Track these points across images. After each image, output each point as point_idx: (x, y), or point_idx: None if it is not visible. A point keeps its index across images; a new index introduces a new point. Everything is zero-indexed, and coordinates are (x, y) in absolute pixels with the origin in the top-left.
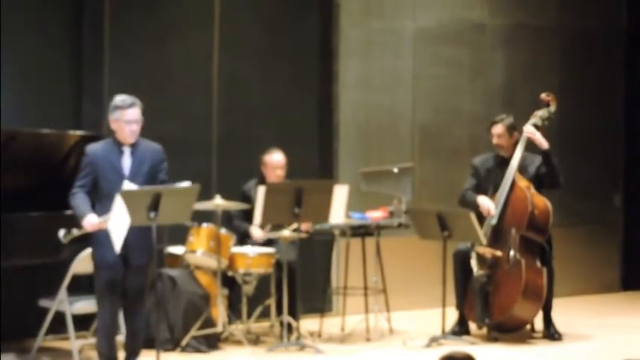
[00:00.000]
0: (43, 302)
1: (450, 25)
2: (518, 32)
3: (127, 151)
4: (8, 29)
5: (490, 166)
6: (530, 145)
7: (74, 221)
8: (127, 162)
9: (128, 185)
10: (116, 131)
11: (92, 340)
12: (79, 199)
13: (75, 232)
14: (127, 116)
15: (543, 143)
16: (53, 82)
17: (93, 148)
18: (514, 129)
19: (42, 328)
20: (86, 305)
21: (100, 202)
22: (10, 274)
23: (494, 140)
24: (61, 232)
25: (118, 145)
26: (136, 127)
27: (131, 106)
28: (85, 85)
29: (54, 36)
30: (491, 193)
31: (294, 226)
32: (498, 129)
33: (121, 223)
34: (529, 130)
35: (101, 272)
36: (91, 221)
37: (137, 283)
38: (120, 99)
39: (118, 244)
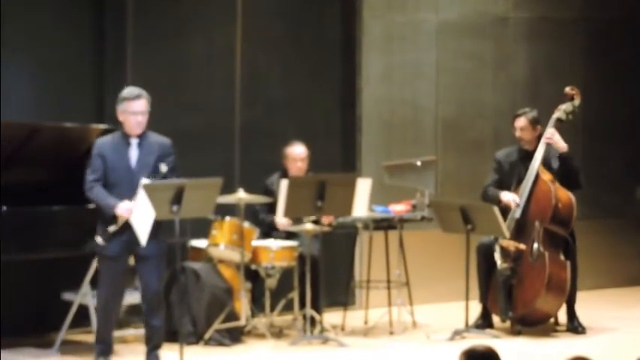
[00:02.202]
0: (66, 295)
1: (472, 18)
2: (541, 25)
3: (134, 142)
4: (31, 23)
5: (513, 160)
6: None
7: (97, 214)
8: (134, 153)
9: (145, 181)
10: (123, 123)
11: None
12: (100, 192)
13: (111, 229)
14: (133, 107)
15: (562, 146)
16: (76, 76)
17: (101, 140)
18: (537, 122)
19: (65, 322)
20: None
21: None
22: (33, 267)
23: (517, 133)
24: (99, 239)
25: (126, 137)
26: (142, 119)
27: (138, 97)
28: (107, 79)
29: (77, 30)
30: (515, 186)
31: (314, 217)
32: (521, 122)
33: (144, 216)
34: (548, 133)
35: (104, 263)
36: (127, 207)
37: (151, 275)
38: (127, 91)
39: (143, 237)
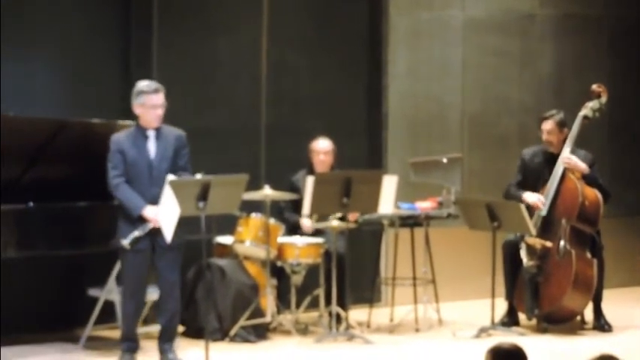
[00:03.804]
0: (92, 292)
1: (499, 15)
2: (567, 22)
3: (151, 135)
4: (58, 20)
5: (539, 161)
6: (580, 141)
7: (120, 212)
8: (152, 146)
9: (171, 177)
10: (140, 116)
11: (140, 330)
12: (127, 190)
13: (137, 233)
14: (153, 101)
15: (583, 168)
16: (102, 72)
17: (117, 135)
18: (564, 125)
19: (91, 318)
20: None
21: None
22: (59, 263)
23: (544, 136)
24: (125, 241)
25: (143, 130)
26: (161, 112)
27: (156, 91)
28: (133, 76)
29: (103, 26)
30: (540, 187)
31: (339, 214)
32: (548, 125)
33: (170, 212)
34: (565, 157)
35: (127, 257)
36: (155, 212)
37: (168, 265)
38: (144, 84)
39: (168, 234)
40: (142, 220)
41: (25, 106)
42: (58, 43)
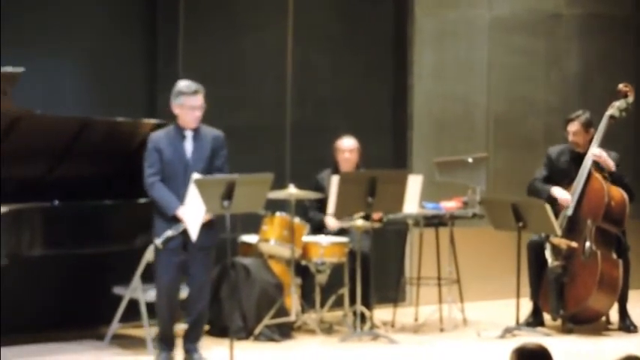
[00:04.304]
0: (117, 290)
1: (525, 14)
2: (593, 22)
3: (189, 135)
4: (84, 19)
5: (565, 160)
6: (607, 141)
7: (148, 209)
8: (189, 146)
9: (197, 176)
10: (179, 116)
11: None
12: (162, 189)
13: (170, 233)
14: (191, 102)
15: (610, 165)
16: (128, 70)
17: (156, 134)
18: (590, 125)
19: (116, 316)
20: None
21: None
22: (84, 261)
23: (570, 137)
24: (158, 241)
25: (180, 130)
26: (199, 114)
27: (195, 92)
28: (159, 75)
29: (129, 25)
30: (565, 186)
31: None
32: (574, 126)
33: (195, 211)
34: (595, 152)
35: (161, 256)
36: (187, 212)
37: (200, 267)
38: (184, 85)
39: (194, 233)
40: (175, 220)
41: (52, 104)
42: (84, 42)
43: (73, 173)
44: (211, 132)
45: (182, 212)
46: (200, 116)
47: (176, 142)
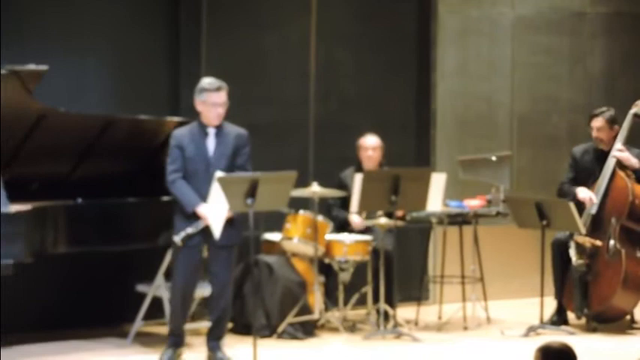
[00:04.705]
0: (140, 287)
1: (549, 13)
2: (618, 20)
3: (211, 132)
4: (107, 16)
5: (589, 159)
6: (631, 139)
7: (175, 209)
8: (211, 143)
9: (220, 173)
10: (202, 113)
11: (188, 326)
12: (183, 186)
13: (189, 230)
14: (214, 99)
15: (634, 162)
16: (151, 68)
17: (179, 131)
18: (614, 122)
19: (139, 313)
20: None
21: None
22: (108, 259)
23: (594, 134)
24: (177, 237)
25: (203, 127)
26: (222, 111)
27: (218, 89)
28: (182, 72)
29: (151, 23)
30: (590, 184)
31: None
32: (598, 122)
33: (218, 209)
34: (617, 149)
35: (179, 252)
36: (207, 210)
37: (222, 265)
38: (207, 82)
39: (217, 231)
40: (195, 217)
41: (75, 102)
42: (107, 39)
43: (97, 171)
44: (235, 130)
45: (203, 210)
46: (223, 113)
47: (198, 139)
